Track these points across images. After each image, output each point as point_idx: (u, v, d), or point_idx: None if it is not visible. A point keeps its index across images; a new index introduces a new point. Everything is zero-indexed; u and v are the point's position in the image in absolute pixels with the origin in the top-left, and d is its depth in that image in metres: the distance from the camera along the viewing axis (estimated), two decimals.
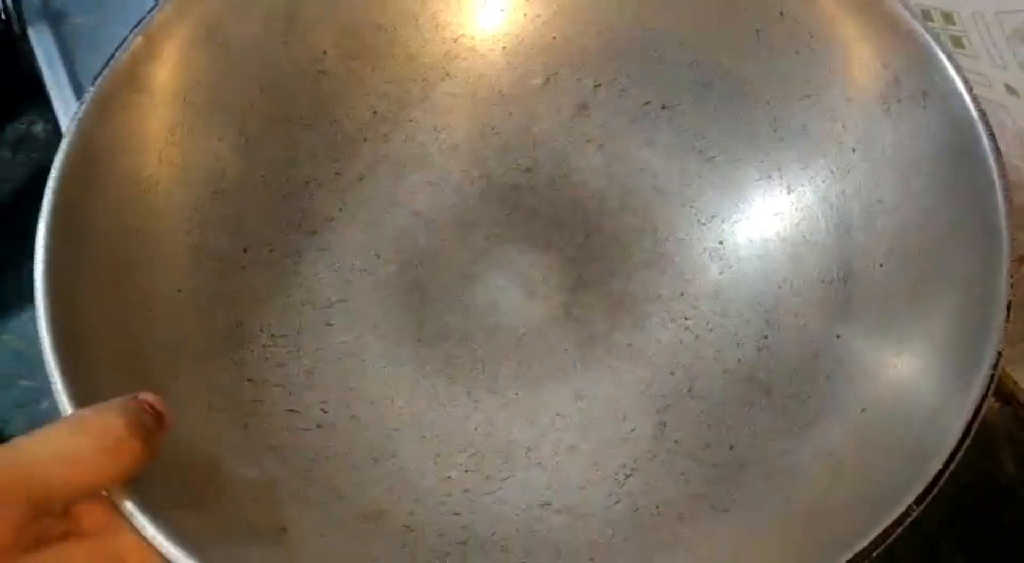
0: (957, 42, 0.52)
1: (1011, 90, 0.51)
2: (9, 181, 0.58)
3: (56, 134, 0.56)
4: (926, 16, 0.43)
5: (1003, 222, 0.40)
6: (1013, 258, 0.39)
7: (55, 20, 0.58)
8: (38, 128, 0.59)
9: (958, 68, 0.43)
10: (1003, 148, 0.41)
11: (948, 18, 0.52)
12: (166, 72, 0.47)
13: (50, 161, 0.42)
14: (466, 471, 0.45)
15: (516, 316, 0.48)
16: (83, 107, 0.43)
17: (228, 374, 0.45)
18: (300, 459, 0.43)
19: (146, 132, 0.46)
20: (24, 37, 0.57)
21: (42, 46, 0.57)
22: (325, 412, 0.46)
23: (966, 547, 0.44)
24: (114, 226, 0.44)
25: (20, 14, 0.58)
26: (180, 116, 0.47)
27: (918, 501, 0.36)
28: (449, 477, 0.45)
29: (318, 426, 0.45)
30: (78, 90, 0.56)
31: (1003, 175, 0.41)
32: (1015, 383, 0.46)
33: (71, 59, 0.57)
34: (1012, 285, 0.39)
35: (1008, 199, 0.40)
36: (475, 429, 0.46)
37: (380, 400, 0.46)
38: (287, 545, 0.40)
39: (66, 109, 0.56)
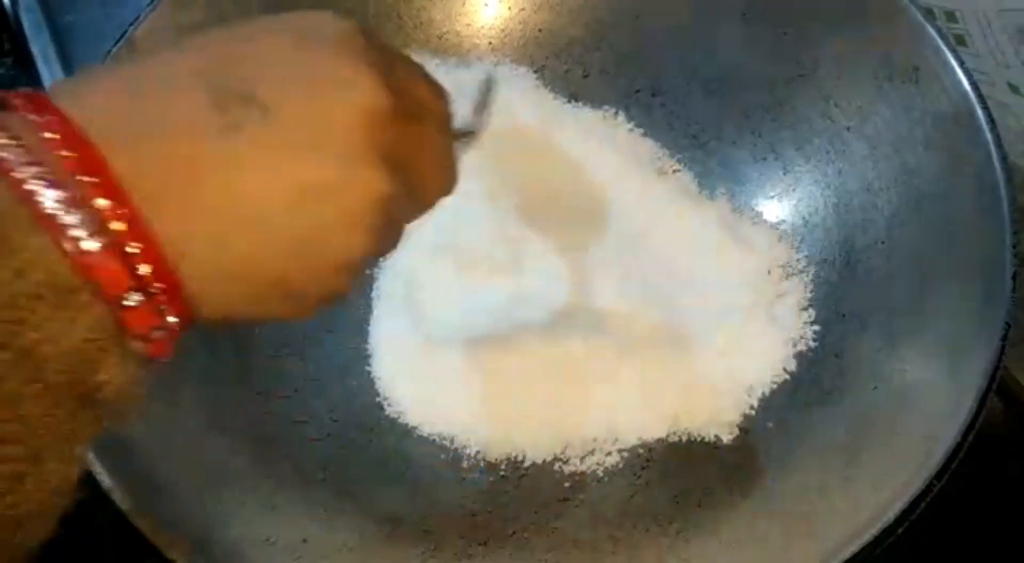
0: (960, 40, 0.53)
1: (1014, 88, 0.51)
2: None
3: None
4: (929, 15, 0.44)
5: (1003, 192, 0.40)
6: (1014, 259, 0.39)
7: (52, 18, 0.57)
8: None
9: (949, 43, 0.43)
10: (1006, 146, 0.41)
11: (951, 16, 0.53)
12: None
13: None
14: (480, 472, 0.45)
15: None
16: None
17: (235, 388, 0.44)
18: (314, 469, 0.43)
19: None
20: (22, 36, 0.56)
21: (39, 44, 0.57)
22: (335, 421, 0.45)
23: (966, 547, 0.44)
24: None
25: (18, 13, 0.57)
26: None
27: (939, 476, 0.36)
28: (464, 479, 0.44)
29: (328, 435, 0.45)
30: None
31: (1000, 146, 0.41)
32: (1017, 383, 0.46)
33: (68, 57, 0.57)
34: (1016, 254, 0.39)
35: (1007, 168, 0.40)
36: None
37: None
38: (309, 556, 0.39)
39: None
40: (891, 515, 0.36)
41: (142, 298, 0.24)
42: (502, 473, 0.44)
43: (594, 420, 0.44)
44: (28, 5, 0.57)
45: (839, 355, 0.44)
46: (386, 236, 0.27)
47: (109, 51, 0.44)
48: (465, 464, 0.45)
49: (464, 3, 0.52)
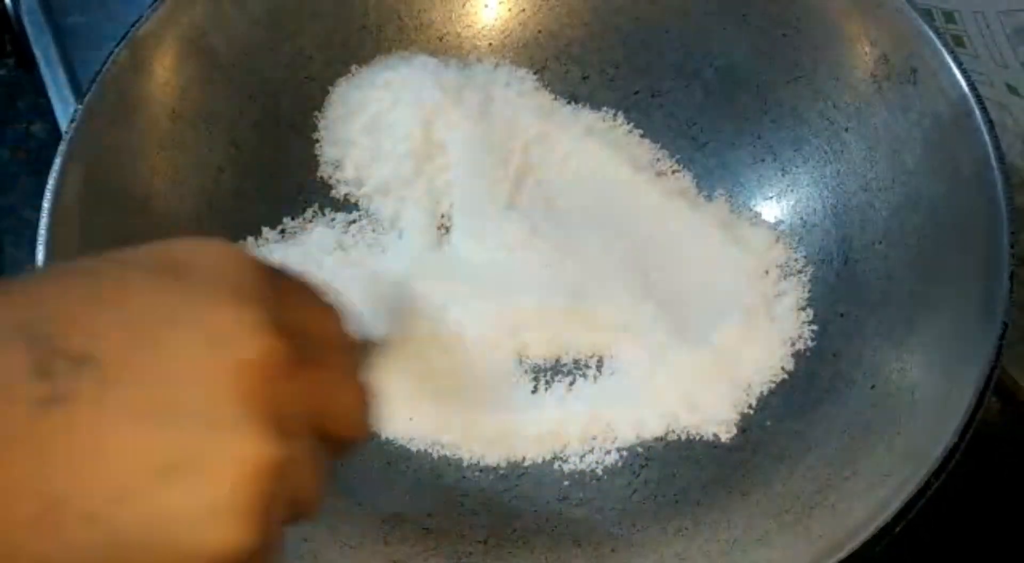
0: (958, 41, 0.53)
1: (1012, 89, 0.52)
2: (8, 180, 0.58)
3: (55, 134, 0.56)
4: (927, 16, 0.44)
5: (1000, 192, 0.40)
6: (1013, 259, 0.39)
7: (54, 19, 0.58)
8: (37, 128, 0.59)
9: (947, 44, 0.43)
10: (1004, 147, 0.41)
11: (949, 17, 0.53)
12: (153, 85, 0.46)
13: (49, 161, 0.41)
14: (480, 470, 0.45)
15: None
16: (73, 125, 0.43)
17: None
18: None
19: (137, 146, 0.45)
20: (24, 37, 0.57)
21: (41, 46, 0.57)
22: None
23: (964, 546, 0.45)
24: (112, 241, 0.43)
25: (20, 14, 0.57)
26: (170, 128, 0.46)
27: (936, 475, 0.36)
28: (464, 477, 0.45)
29: None
30: (77, 90, 0.55)
31: (998, 146, 0.41)
32: (1015, 383, 0.46)
33: (70, 59, 0.57)
34: (1014, 254, 0.39)
35: (1004, 169, 0.40)
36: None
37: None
38: (309, 556, 0.39)
39: (65, 109, 0.55)
40: (889, 513, 0.36)
41: None
42: (502, 472, 0.44)
43: (593, 419, 0.44)
44: (30, 6, 0.58)
45: (837, 355, 0.44)
46: (283, 508, 0.22)
47: (111, 52, 0.44)
48: (465, 463, 0.45)
49: (464, 5, 0.53)
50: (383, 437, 0.45)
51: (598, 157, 0.50)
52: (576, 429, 0.45)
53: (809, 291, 0.46)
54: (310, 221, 0.49)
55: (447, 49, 0.52)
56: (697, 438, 0.44)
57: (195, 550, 0.20)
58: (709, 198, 0.50)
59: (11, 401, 0.19)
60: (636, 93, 0.52)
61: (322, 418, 0.23)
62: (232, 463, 0.20)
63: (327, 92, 0.51)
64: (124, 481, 0.19)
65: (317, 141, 0.51)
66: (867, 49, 0.46)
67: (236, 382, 0.20)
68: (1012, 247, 0.39)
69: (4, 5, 0.58)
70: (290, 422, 0.21)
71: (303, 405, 0.22)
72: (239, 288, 0.22)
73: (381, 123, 0.50)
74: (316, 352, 0.23)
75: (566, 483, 0.44)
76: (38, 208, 0.41)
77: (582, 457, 0.44)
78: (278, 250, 0.48)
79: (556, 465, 0.44)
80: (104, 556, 0.19)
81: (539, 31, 0.53)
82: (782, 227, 0.48)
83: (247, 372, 0.20)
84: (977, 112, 0.41)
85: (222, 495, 0.20)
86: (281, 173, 0.50)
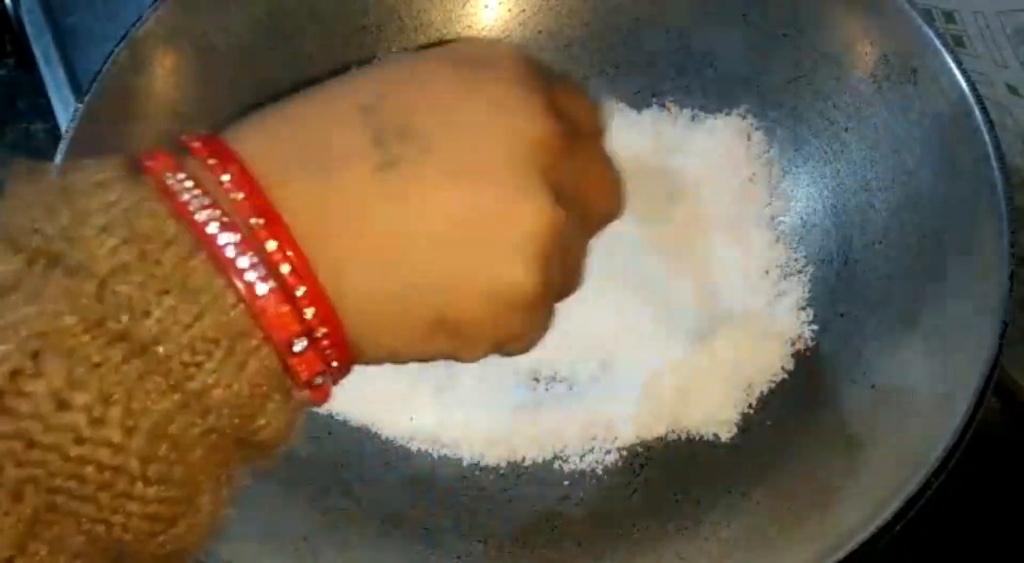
0: (958, 41, 0.53)
1: (1012, 89, 0.52)
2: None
3: (55, 134, 0.56)
4: (927, 16, 0.44)
5: (1000, 192, 0.40)
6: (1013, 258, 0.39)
7: (54, 19, 0.58)
8: (37, 128, 0.59)
9: (947, 44, 0.43)
10: (1004, 147, 0.41)
11: (949, 17, 0.53)
12: (154, 84, 0.46)
13: (49, 161, 0.41)
14: (480, 470, 0.45)
15: None
16: (73, 125, 0.43)
17: None
18: (314, 467, 0.43)
19: (137, 146, 0.45)
20: (24, 37, 0.57)
21: (41, 46, 0.57)
22: (336, 418, 0.45)
23: (964, 546, 0.45)
24: None
25: (19, 14, 0.58)
26: (170, 128, 0.46)
27: (936, 475, 0.36)
28: (464, 478, 0.45)
29: (329, 433, 0.45)
30: (77, 90, 0.55)
31: (998, 146, 0.41)
32: (1015, 383, 0.46)
33: (70, 59, 0.57)
34: (1014, 254, 0.39)
35: (1004, 169, 0.40)
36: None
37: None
38: (310, 553, 0.39)
39: (65, 109, 0.55)
40: (889, 513, 0.36)
41: (308, 343, 0.23)
42: (502, 472, 0.45)
43: (593, 418, 0.45)
44: (30, 6, 0.58)
45: (837, 354, 0.44)
46: (559, 269, 0.26)
47: (111, 52, 0.44)
48: (465, 462, 0.45)
49: (464, 5, 0.53)
50: (383, 437, 0.45)
51: None
52: (576, 429, 0.45)
53: (809, 291, 0.46)
54: None
55: None
56: (697, 438, 0.44)
57: (492, 285, 0.25)
58: None
59: (361, 165, 0.24)
60: (637, 93, 0.52)
61: (587, 195, 0.27)
62: (525, 218, 0.25)
63: None
64: (443, 226, 0.24)
65: None
66: (867, 49, 0.46)
67: (529, 156, 0.25)
68: (1012, 247, 0.39)
69: (4, 5, 0.58)
70: (566, 195, 0.26)
71: (575, 181, 0.26)
72: (526, 79, 0.26)
73: None
74: (582, 138, 0.27)
75: (566, 483, 0.44)
76: None
77: (582, 457, 0.45)
78: None
79: (556, 465, 0.44)
80: (422, 286, 0.25)
81: (539, 31, 0.53)
82: (782, 227, 0.48)
83: (538, 148, 0.25)
84: (977, 112, 0.41)
85: (517, 243, 0.25)
86: None
